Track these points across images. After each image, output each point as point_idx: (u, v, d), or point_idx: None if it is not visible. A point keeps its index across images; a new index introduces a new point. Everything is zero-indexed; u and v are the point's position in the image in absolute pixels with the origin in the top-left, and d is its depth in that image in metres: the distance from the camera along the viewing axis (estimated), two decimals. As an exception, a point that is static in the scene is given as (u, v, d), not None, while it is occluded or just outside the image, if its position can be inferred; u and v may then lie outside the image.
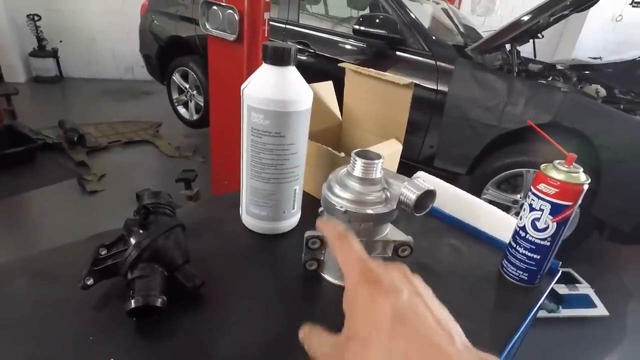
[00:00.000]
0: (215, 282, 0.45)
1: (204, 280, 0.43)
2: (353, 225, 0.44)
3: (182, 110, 3.29)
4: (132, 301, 0.38)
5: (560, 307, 1.76)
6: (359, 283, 0.27)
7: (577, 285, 1.91)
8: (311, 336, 0.30)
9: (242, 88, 0.49)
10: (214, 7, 1.52)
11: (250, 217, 0.56)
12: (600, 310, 1.79)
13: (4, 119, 2.78)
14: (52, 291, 0.43)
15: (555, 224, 0.48)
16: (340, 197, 0.44)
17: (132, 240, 0.41)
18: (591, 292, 1.87)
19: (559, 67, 2.44)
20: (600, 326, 1.76)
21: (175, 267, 0.43)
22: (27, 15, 3.89)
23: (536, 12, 1.89)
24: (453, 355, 0.23)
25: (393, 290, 0.26)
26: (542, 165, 0.49)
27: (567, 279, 1.94)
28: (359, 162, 0.43)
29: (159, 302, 0.38)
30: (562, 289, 1.85)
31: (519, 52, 2.28)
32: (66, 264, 0.46)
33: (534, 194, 0.49)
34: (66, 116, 2.95)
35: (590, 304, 1.81)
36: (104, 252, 0.42)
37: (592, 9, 2.35)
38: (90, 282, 0.40)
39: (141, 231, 0.42)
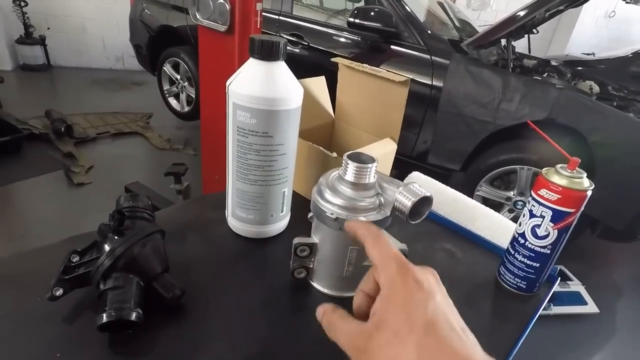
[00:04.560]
0: (197, 292, 0.43)
1: (185, 290, 0.40)
2: (344, 232, 0.41)
3: (173, 101, 3.22)
4: (104, 315, 0.35)
5: (551, 304, 1.76)
6: (398, 277, 0.29)
7: (568, 282, 1.91)
8: (335, 316, 0.31)
9: (227, 84, 0.46)
10: (205, -4, 1.46)
11: (236, 220, 0.53)
12: (591, 307, 1.79)
13: (-12, 107, 2.70)
14: (18, 301, 0.40)
15: (556, 231, 0.46)
16: (331, 202, 0.41)
17: (106, 247, 0.38)
18: (582, 290, 1.87)
19: (553, 63, 2.42)
20: (590, 323, 1.76)
21: (153, 277, 0.40)
22: (13, 1, 3.75)
23: (532, 7, 1.87)
24: None
25: (431, 292, 0.28)
26: (544, 169, 0.47)
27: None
28: (352, 166, 0.40)
29: (133, 316, 0.35)
30: (553, 286, 1.86)
31: (514, 47, 2.25)
32: (35, 270, 0.43)
33: (534, 199, 0.47)
34: (54, 106, 2.86)
35: (581, 301, 1.82)
36: (75, 259, 0.39)
37: (585, 5, 2.33)
38: (59, 292, 0.37)
39: (116, 237, 0.39)
